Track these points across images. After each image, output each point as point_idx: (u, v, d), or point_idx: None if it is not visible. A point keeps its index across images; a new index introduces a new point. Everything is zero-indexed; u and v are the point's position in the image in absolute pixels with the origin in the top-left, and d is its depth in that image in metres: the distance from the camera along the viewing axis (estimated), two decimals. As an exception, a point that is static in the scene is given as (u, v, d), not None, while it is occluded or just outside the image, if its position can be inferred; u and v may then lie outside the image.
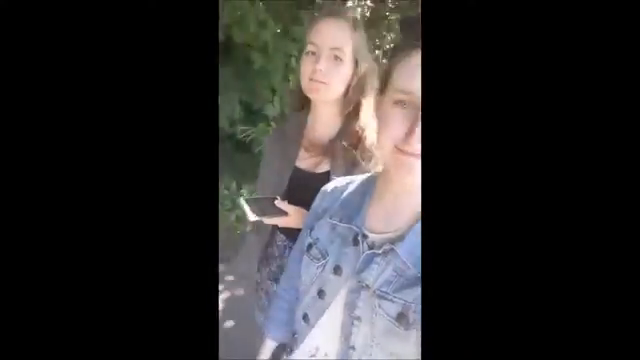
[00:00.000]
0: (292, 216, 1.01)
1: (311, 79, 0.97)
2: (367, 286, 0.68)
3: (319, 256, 0.76)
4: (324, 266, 0.74)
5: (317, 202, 0.86)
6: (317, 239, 0.78)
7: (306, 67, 0.98)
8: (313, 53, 0.96)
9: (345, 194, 0.80)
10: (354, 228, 0.72)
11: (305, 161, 1.07)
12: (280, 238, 1.16)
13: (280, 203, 1.01)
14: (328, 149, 1.03)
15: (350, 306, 0.70)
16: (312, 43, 0.96)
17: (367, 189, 0.76)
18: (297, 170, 1.07)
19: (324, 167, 1.04)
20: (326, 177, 1.02)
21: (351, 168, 0.99)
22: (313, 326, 0.76)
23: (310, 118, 1.09)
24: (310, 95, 1.00)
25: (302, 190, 1.04)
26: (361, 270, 0.69)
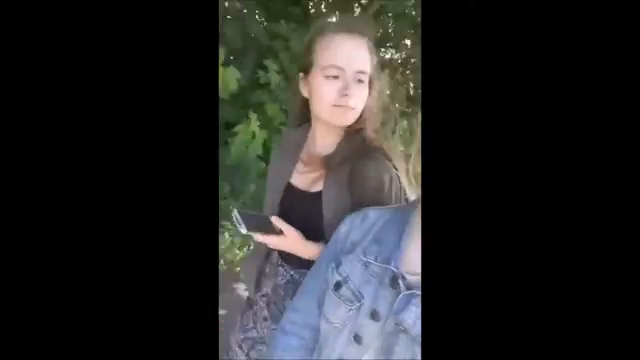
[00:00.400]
0: (287, 237, 0.96)
1: (336, 105, 0.91)
2: (405, 330, 0.64)
3: (352, 298, 0.70)
4: (358, 309, 0.69)
5: (342, 233, 0.80)
6: (347, 277, 0.72)
7: (330, 93, 0.90)
8: (335, 77, 0.90)
9: (377, 228, 0.75)
10: (393, 269, 0.67)
11: (301, 177, 1.03)
12: (277, 260, 1.11)
13: (277, 220, 0.96)
14: (325, 164, 0.99)
15: (387, 351, 0.65)
16: (335, 66, 0.89)
17: (402, 224, 0.72)
18: (290, 187, 1.04)
19: (318, 186, 1.00)
20: (318, 197, 0.98)
21: (344, 186, 0.96)
22: None
23: (312, 133, 1.05)
24: (334, 121, 0.95)
25: (293, 210, 1.00)
26: (398, 311, 0.65)
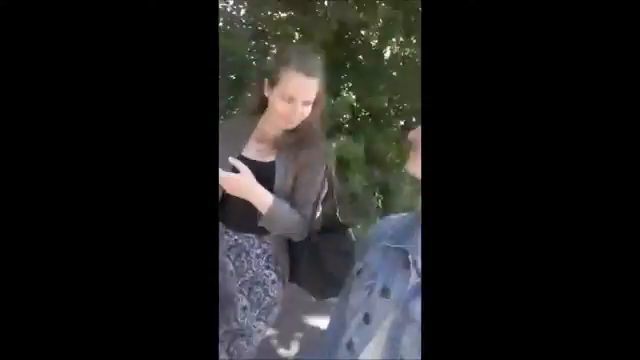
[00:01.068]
0: (242, 175, 1.14)
1: (288, 121, 1.22)
2: (414, 320, 0.65)
3: (368, 278, 0.75)
4: (372, 288, 0.73)
5: (371, 234, 0.86)
6: (367, 263, 0.78)
7: (283, 110, 1.20)
8: (291, 99, 1.18)
9: (397, 222, 0.80)
10: (405, 249, 0.71)
11: (252, 152, 1.26)
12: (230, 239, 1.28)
13: (234, 160, 1.15)
14: (277, 142, 1.25)
15: (394, 342, 0.67)
16: (291, 97, 1.18)
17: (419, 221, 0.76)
18: (242, 158, 1.22)
19: (270, 157, 1.24)
20: (272, 166, 1.22)
21: (294, 159, 1.22)
22: (358, 355, 0.72)
23: (267, 116, 1.29)
24: (282, 126, 1.24)
25: None
26: (409, 300, 0.67)
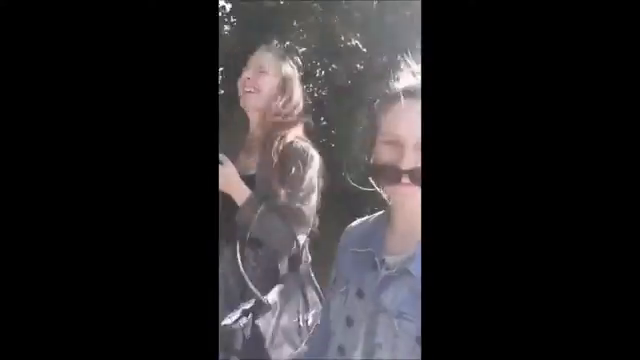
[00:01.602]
0: (225, 168, 1.18)
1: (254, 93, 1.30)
2: (385, 309, 0.71)
3: (342, 285, 0.80)
4: (347, 292, 0.78)
5: (341, 242, 0.91)
6: (339, 271, 0.83)
7: (243, 83, 1.30)
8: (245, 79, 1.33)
9: (362, 228, 0.86)
10: (371, 251, 0.77)
11: (239, 165, 1.26)
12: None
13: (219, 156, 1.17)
14: (261, 148, 1.27)
15: (371, 334, 0.72)
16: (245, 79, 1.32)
17: (384, 218, 0.82)
18: None
19: (251, 170, 1.26)
20: (252, 180, 1.23)
21: (276, 166, 1.22)
22: (350, 358, 0.76)
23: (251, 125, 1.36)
24: (254, 100, 1.30)
25: None
26: (379, 293, 0.72)
